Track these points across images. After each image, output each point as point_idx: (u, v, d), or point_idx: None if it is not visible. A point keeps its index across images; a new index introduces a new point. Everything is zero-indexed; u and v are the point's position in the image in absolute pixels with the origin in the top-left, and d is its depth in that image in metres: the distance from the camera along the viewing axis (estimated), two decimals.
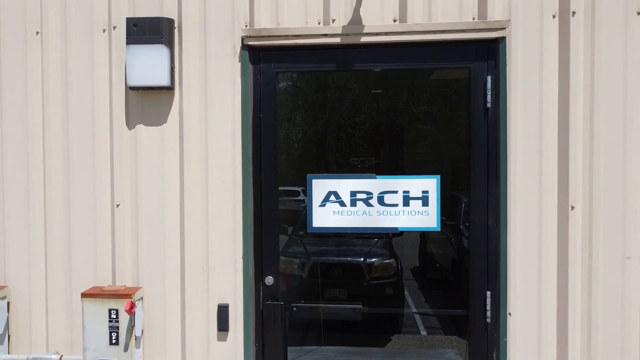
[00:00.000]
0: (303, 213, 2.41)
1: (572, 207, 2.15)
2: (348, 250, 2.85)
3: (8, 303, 2.42)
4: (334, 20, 2.23)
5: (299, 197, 2.52)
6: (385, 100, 2.42)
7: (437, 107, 2.46)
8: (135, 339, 2.25)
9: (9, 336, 2.42)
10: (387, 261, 2.94)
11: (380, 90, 2.38)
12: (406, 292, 2.71)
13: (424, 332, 2.66)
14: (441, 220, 2.28)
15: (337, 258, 2.83)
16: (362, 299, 2.72)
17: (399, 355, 2.64)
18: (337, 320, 2.64)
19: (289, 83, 2.50)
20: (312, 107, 2.56)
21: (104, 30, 2.34)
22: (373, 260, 2.90)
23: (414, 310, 2.69)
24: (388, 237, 2.71)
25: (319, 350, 2.56)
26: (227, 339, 2.33)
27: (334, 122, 2.49)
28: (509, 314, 2.20)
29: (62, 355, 2.38)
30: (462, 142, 2.36)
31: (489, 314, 2.24)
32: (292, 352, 2.46)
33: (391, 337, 2.69)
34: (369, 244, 2.82)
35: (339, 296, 2.71)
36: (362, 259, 2.87)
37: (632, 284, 2.14)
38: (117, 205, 2.35)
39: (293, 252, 2.70)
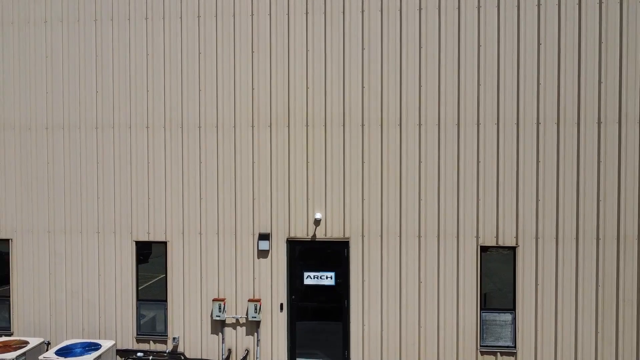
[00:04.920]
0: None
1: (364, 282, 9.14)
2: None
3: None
4: (309, 234, 9.23)
5: None
6: (324, 251, 9.43)
7: (334, 256, 9.45)
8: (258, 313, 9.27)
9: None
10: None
11: (320, 249, 9.41)
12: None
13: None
14: (338, 282, 9.26)
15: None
16: (333, 302, 9.58)
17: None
18: (317, 313, 9.58)
19: (297, 248, 9.51)
20: (301, 250, 9.54)
21: (252, 235, 9.34)
22: (340, 279, 9.79)
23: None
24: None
25: (309, 323, 9.53)
26: (282, 311, 9.31)
27: (310, 255, 9.49)
28: (349, 302, 9.15)
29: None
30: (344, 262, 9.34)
31: (346, 303, 9.22)
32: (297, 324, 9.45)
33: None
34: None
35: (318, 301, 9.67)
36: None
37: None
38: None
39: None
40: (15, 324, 9.81)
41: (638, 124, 8.50)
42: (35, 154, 9.65)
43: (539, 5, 8.59)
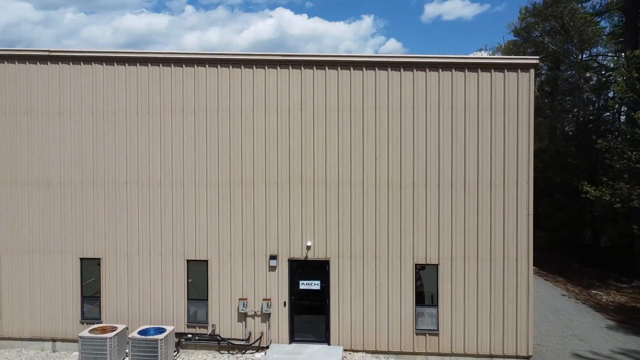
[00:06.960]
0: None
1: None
2: (313, 284, 14.32)
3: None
4: (303, 255, 13.82)
5: None
6: (313, 267, 14.02)
7: (320, 270, 14.06)
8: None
9: None
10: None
11: (310, 265, 14.02)
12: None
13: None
14: (322, 287, 13.88)
15: (307, 287, 14.33)
16: (319, 301, 14.22)
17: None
18: (309, 308, 14.20)
19: (295, 264, 14.13)
20: (297, 266, 14.15)
21: (265, 256, 13.95)
22: (323, 285, 14.42)
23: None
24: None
25: (303, 315, 14.17)
26: (285, 307, 13.94)
27: (303, 269, 14.10)
28: (329, 301, 13.78)
29: None
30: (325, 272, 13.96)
31: (328, 301, 13.84)
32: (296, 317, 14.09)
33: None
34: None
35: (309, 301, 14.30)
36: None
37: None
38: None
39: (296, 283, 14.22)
40: (103, 315, 14.44)
41: (515, 184, 13.11)
42: (118, 202, 14.26)
43: (451, 109, 13.20)
